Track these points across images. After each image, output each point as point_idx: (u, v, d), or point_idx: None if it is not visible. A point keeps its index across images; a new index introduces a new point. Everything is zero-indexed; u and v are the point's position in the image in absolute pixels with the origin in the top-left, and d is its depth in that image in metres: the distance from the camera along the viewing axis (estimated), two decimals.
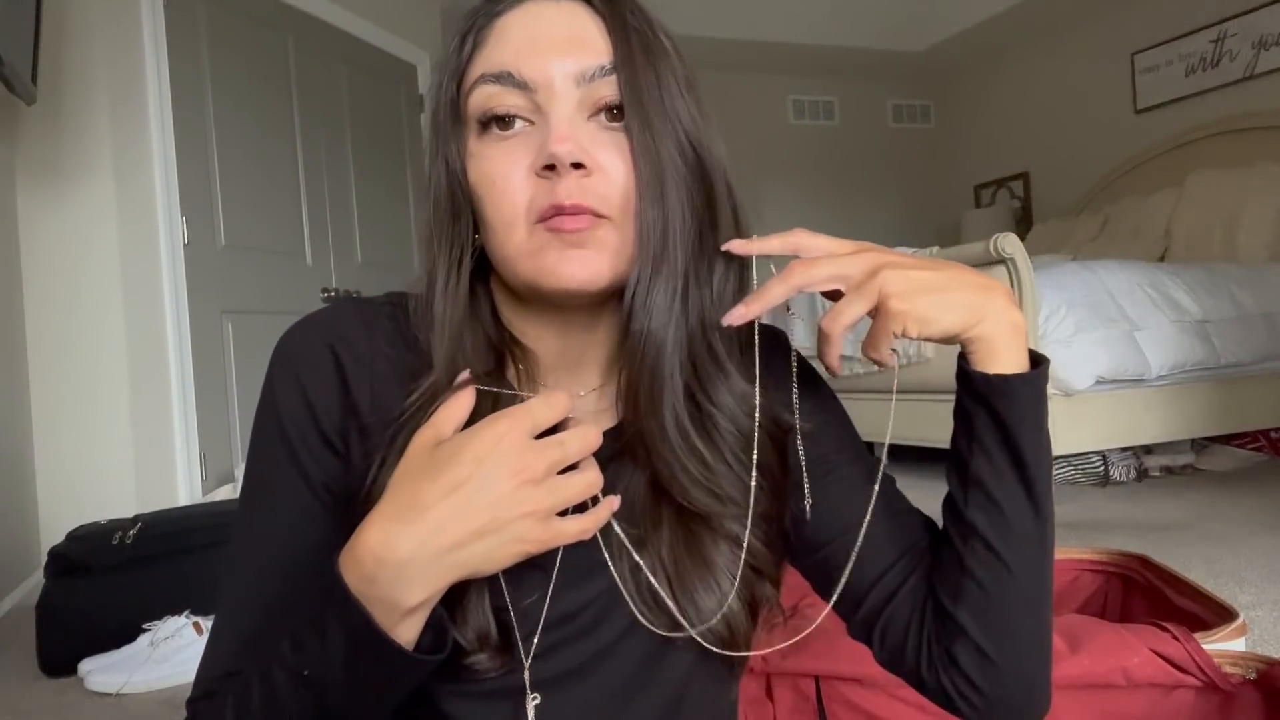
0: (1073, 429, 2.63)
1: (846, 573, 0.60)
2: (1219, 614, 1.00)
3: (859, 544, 0.59)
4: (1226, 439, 3.23)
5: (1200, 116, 4.45)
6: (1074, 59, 5.22)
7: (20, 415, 2.44)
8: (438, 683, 0.54)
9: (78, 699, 1.57)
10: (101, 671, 1.61)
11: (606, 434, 0.56)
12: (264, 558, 0.57)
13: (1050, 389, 2.80)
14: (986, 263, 2.66)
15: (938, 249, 2.89)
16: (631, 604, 0.56)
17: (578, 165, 0.51)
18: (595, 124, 0.53)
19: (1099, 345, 2.64)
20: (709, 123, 0.56)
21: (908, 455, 3.75)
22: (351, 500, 0.55)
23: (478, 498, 0.46)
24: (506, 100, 0.52)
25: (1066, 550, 1.32)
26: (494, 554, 0.47)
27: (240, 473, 2.76)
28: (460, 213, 0.56)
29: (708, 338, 0.56)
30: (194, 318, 2.76)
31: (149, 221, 2.66)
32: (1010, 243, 2.57)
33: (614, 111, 0.53)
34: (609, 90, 0.53)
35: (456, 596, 0.51)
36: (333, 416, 0.56)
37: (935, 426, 3.03)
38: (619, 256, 0.53)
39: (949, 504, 0.59)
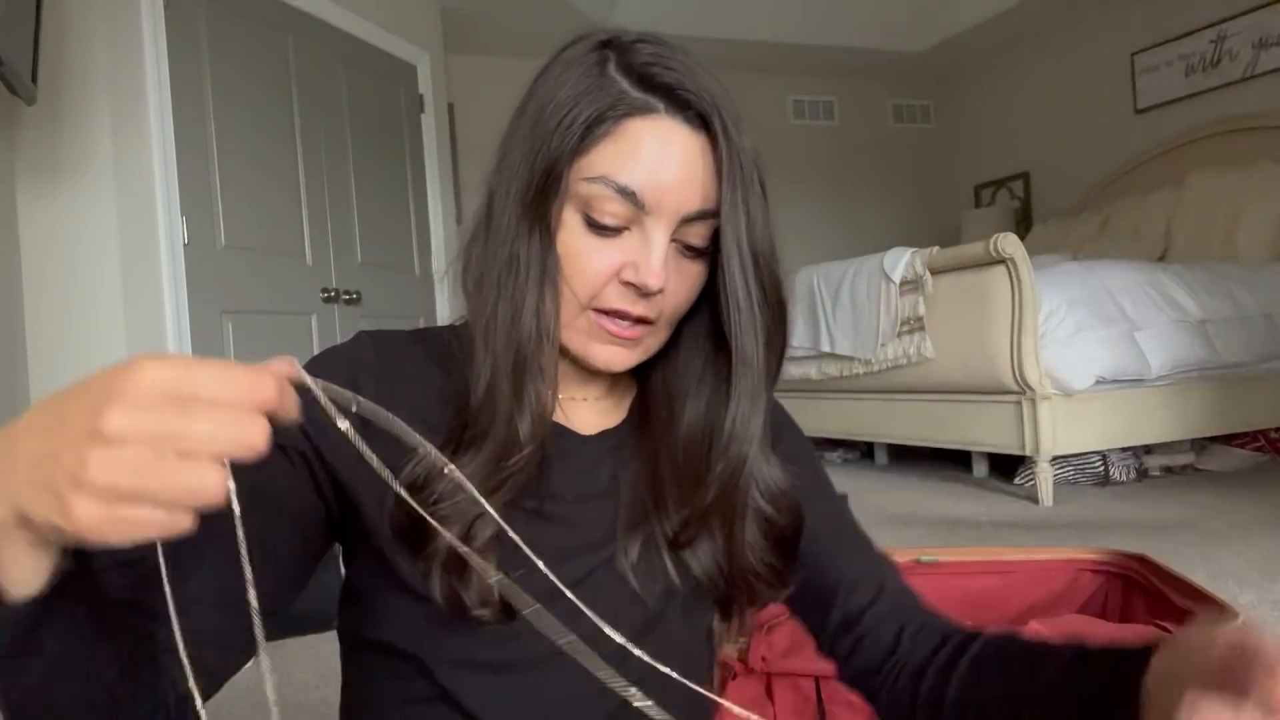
0: (1073, 429, 2.63)
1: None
2: (1219, 614, 1.00)
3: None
4: (1226, 439, 3.23)
5: (1200, 116, 4.45)
6: (1074, 59, 5.22)
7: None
8: (438, 651, 0.56)
9: None
10: None
11: (610, 431, 0.65)
12: None
13: (1050, 389, 2.78)
14: (986, 263, 2.66)
15: (938, 249, 2.89)
16: (631, 578, 0.60)
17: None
18: (675, 247, 0.59)
19: (1099, 345, 2.64)
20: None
21: (908, 455, 3.74)
22: (346, 500, 0.57)
23: (44, 423, 0.34)
24: (619, 210, 0.56)
25: (1066, 550, 1.32)
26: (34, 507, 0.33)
27: None
28: (548, 291, 0.57)
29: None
30: (194, 318, 2.76)
31: (149, 221, 2.66)
32: (1010, 243, 2.57)
33: (694, 245, 0.59)
34: (701, 230, 0.59)
35: (459, 564, 0.53)
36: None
37: (935, 426, 3.04)
38: (648, 351, 0.62)
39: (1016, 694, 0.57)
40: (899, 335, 2.97)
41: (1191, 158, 4.37)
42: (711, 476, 0.60)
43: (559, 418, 0.63)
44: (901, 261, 2.95)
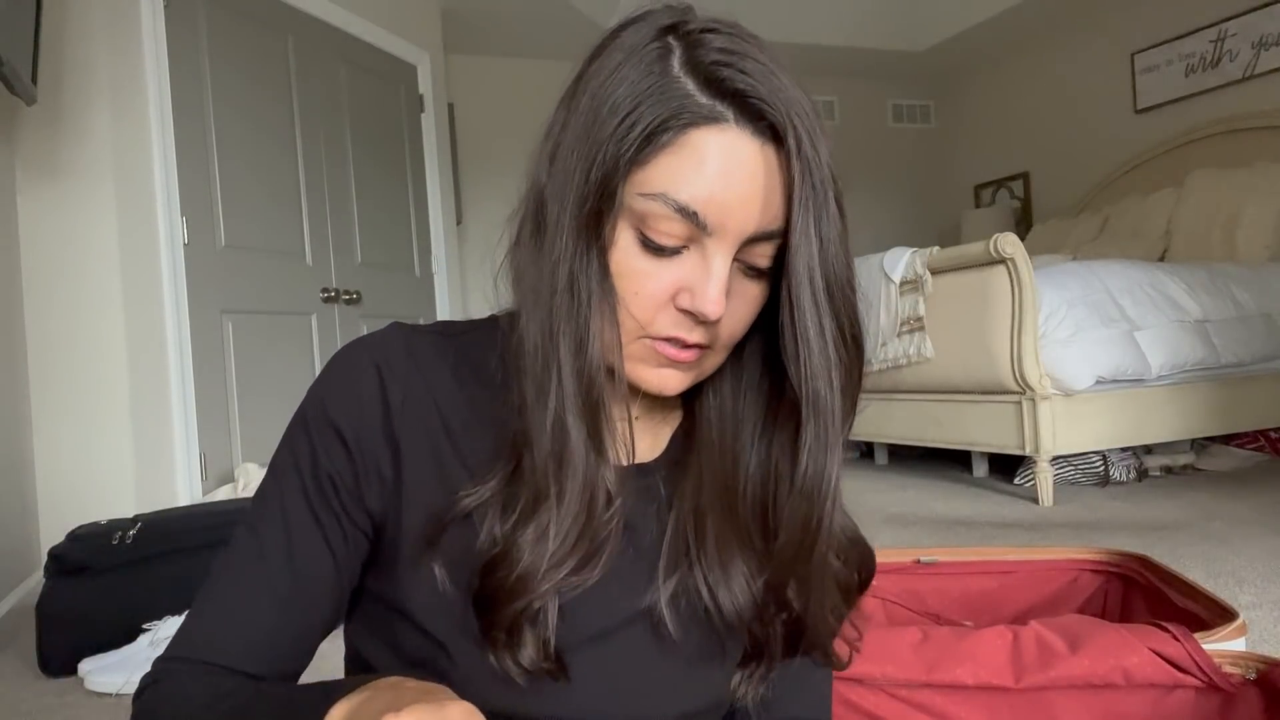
0: (1073, 429, 2.63)
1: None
2: (1219, 614, 1.00)
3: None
4: (1226, 439, 3.23)
5: (1200, 116, 4.45)
6: (1074, 59, 5.22)
7: (20, 415, 2.44)
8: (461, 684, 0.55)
9: (78, 699, 1.57)
10: (101, 671, 1.61)
11: (649, 464, 0.62)
12: (263, 559, 0.56)
13: (1050, 389, 2.78)
14: (986, 263, 2.66)
15: (938, 249, 2.89)
16: (669, 624, 0.57)
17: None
18: (736, 267, 0.53)
19: (1099, 345, 2.64)
20: (850, 262, 0.56)
21: (908, 454, 3.74)
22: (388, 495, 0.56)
23: None
24: (677, 230, 0.51)
25: (1066, 550, 1.32)
26: None
27: (240, 473, 2.76)
28: (608, 319, 0.52)
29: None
30: (194, 318, 2.76)
31: (149, 221, 2.66)
32: (1010, 243, 2.57)
33: (756, 266, 0.54)
34: (766, 250, 0.53)
35: (513, 625, 0.52)
36: (374, 431, 0.55)
37: (935, 427, 3.04)
38: (704, 373, 0.57)
39: None
40: (899, 335, 2.98)
41: (1191, 158, 4.37)
42: (780, 528, 0.56)
43: None
44: (901, 261, 2.95)
